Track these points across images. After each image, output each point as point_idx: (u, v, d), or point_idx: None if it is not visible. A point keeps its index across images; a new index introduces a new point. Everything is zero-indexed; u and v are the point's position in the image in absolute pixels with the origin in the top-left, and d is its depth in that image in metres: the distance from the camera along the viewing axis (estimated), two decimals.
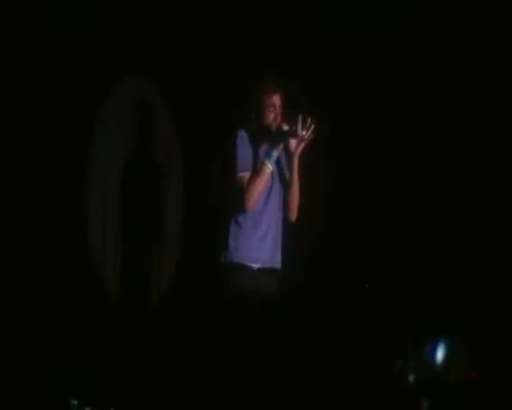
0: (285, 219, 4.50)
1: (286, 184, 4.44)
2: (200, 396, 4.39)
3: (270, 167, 4.30)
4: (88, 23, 5.19)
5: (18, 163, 4.88)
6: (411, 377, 4.79)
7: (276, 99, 4.38)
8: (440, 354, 4.83)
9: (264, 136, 4.36)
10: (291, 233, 4.55)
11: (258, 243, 4.37)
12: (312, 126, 4.26)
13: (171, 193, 5.55)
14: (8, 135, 4.83)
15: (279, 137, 4.32)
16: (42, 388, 4.71)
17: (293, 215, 4.46)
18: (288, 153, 4.40)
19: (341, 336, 5.31)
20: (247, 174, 4.32)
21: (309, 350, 5.14)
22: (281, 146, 4.33)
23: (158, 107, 5.54)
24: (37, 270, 4.92)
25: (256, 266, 4.37)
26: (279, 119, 4.35)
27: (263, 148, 4.37)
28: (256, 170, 4.30)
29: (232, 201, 4.36)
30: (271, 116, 4.36)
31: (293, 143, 4.34)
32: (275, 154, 4.31)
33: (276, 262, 4.47)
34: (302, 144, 4.33)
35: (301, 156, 4.39)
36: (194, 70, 5.48)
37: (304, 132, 4.25)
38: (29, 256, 4.87)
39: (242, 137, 4.36)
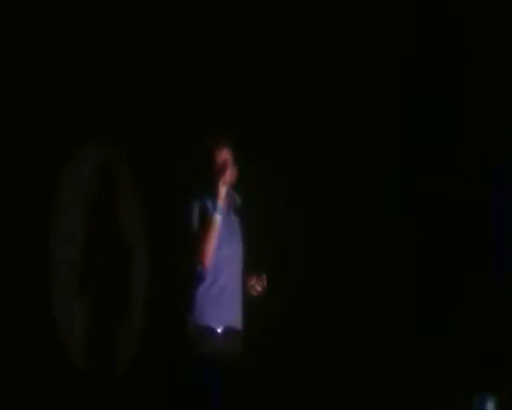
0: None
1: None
2: None
3: (218, 217, 4.41)
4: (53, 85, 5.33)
5: None
6: None
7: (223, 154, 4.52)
8: None
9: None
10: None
11: (216, 300, 4.43)
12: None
13: (136, 260, 5.59)
14: None
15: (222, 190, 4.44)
16: None
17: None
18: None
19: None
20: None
21: None
22: (223, 197, 4.43)
23: (121, 174, 5.60)
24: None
25: (220, 328, 4.41)
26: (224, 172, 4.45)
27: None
28: (207, 224, 4.40)
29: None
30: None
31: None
32: (220, 204, 4.41)
33: (236, 322, 4.50)
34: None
35: None
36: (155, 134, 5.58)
37: None
38: None
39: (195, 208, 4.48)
